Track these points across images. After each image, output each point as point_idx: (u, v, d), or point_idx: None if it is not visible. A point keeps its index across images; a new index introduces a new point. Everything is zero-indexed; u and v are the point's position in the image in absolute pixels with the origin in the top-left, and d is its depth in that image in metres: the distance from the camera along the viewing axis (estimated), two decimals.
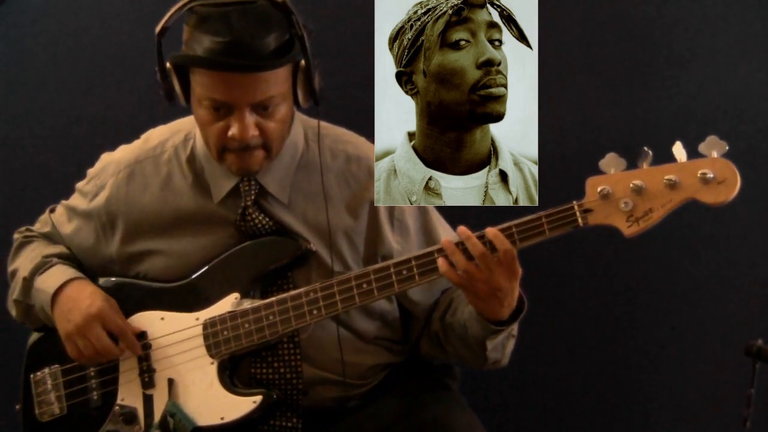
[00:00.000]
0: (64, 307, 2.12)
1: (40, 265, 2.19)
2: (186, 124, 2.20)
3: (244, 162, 2.03)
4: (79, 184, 2.27)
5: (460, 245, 1.91)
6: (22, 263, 2.23)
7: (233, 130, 1.98)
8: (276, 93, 1.99)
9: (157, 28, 1.97)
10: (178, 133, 2.20)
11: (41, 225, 2.30)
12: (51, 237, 2.28)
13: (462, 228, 1.91)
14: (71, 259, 2.24)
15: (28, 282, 2.19)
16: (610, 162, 1.86)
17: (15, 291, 2.23)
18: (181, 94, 2.02)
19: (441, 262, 1.92)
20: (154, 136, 2.23)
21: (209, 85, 1.97)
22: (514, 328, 2.05)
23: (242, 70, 1.94)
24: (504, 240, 1.89)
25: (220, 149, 2.03)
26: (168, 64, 1.99)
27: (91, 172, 2.26)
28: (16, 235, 2.31)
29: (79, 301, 2.11)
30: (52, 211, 2.30)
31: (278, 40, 1.96)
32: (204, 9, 1.96)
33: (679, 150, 1.82)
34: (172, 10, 1.97)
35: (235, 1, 1.96)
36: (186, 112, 2.15)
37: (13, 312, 2.26)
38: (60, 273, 2.17)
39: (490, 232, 1.89)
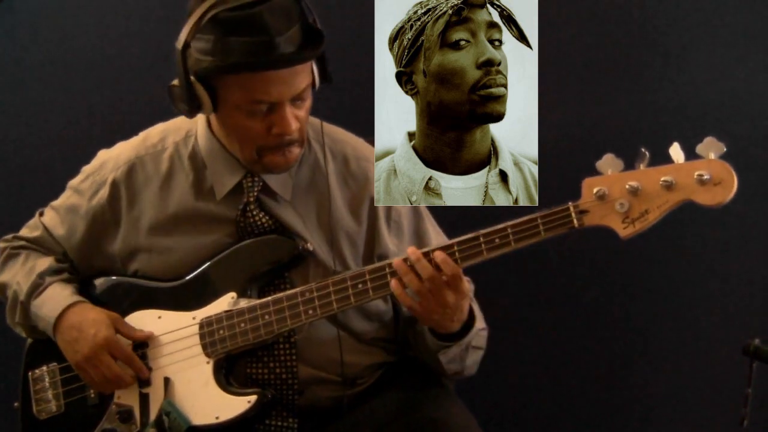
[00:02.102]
0: (69, 337, 2.11)
1: (35, 286, 2.16)
2: (186, 121, 2.19)
3: (287, 158, 2.03)
4: (73, 182, 2.24)
5: (412, 267, 1.92)
6: (13, 279, 2.20)
7: (279, 127, 1.98)
8: (308, 82, 2.00)
9: (179, 44, 1.94)
10: (178, 131, 2.19)
11: (30, 230, 2.27)
12: (42, 242, 2.25)
13: (412, 249, 1.94)
14: (62, 270, 2.21)
15: (25, 306, 2.18)
16: (607, 163, 1.85)
17: (16, 314, 2.21)
18: (210, 104, 1.98)
19: (394, 284, 1.94)
20: (154, 133, 2.22)
21: (252, 87, 1.95)
22: (476, 340, 2.07)
23: (291, 63, 1.94)
24: (451, 264, 1.91)
25: (260, 151, 2.02)
26: (192, 78, 1.95)
27: (86, 169, 2.24)
28: (1, 245, 2.27)
29: (84, 329, 2.09)
30: (42, 214, 2.27)
31: (303, 29, 1.97)
32: (230, 14, 1.92)
33: (676, 151, 1.82)
34: (193, 19, 1.92)
35: (256, 0, 1.94)
36: None
37: (19, 331, 2.24)
38: (56, 297, 2.14)
39: (438, 255, 1.92)
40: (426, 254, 1.93)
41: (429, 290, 1.92)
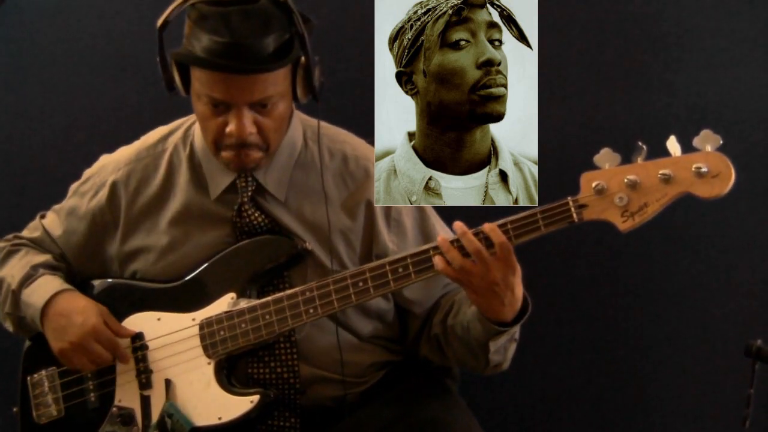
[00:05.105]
0: (56, 324, 2.12)
1: (27, 276, 2.18)
2: (185, 121, 2.21)
3: (241, 159, 2.03)
4: (75, 185, 2.26)
5: (455, 242, 1.91)
6: (9, 272, 2.22)
7: (231, 127, 1.99)
8: (274, 92, 1.99)
9: (159, 22, 1.98)
10: (178, 130, 2.21)
11: (30, 231, 2.29)
12: (40, 242, 2.26)
13: (458, 223, 1.91)
14: (58, 267, 2.22)
15: (16, 295, 2.18)
16: (605, 157, 1.86)
17: (6, 304, 2.22)
18: (182, 87, 2.03)
19: (437, 260, 1.92)
20: (154, 135, 2.23)
21: (208, 83, 1.98)
22: (516, 331, 2.05)
23: (241, 72, 1.95)
24: (500, 234, 1.89)
25: (217, 145, 2.04)
26: (167, 56, 2.01)
27: (88, 172, 2.26)
28: (2, 244, 2.29)
29: (72, 317, 2.10)
30: (43, 217, 2.29)
31: (278, 40, 1.96)
32: (205, 7, 1.96)
33: (673, 144, 1.82)
34: (174, 4, 1.98)
35: (234, 0, 1.96)
36: (186, 110, 2.15)
37: (7, 325, 2.25)
38: (46, 285, 2.16)
39: (487, 226, 1.90)
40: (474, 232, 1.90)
41: (473, 266, 1.89)
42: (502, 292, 1.92)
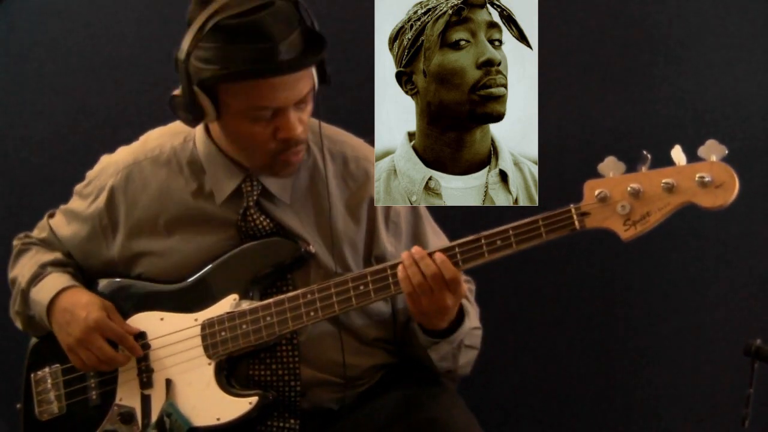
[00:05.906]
0: (62, 320, 2.12)
1: (36, 275, 2.19)
2: (184, 126, 2.20)
3: (292, 161, 2.04)
4: (78, 187, 2.27)
5: (416, 263, 1.93)
6: (20, 272, 2.24)
7: (285, 132, 1.99)
8: (311, 86, 2.00)
9: (182, 54, 1.94)
10: (176, 136, 2.19)
11: (39, 231, 2.30)
12: (48, 242, 2.28)
13: (416, 248, 1.94)
14: (67, 264, 2.24)
15: (26, 293, 2.20)
16: (609, 165, 1.85)
17: (16, 302, 2.24)
18: (214, 113, 1.99)
19: (399, 269, 1.94)
20: (153, 138, 2.22)
21: (257, 94, 1.95)
22: (469, 338, 2.07)
23: (295, 69, 1.94)
24: (450, 267, 1.92)
25: (271, 154, 2.02)
26: (195, 87, 1.95)
27: (90, 174, 2.26)
28: (15, 242, 2.31)
29: (76, 312, 2.11)
30: (51, 216, 2.30)
31: (305, 34, 1.97)
32: (232, 21, 1.92)
33: (677, 153, 1.81)
34: (195, 27, 1.92)
35: (257, 6, 1.93)
36: None
37: (17, 323, 2.26)
38: (52, 283, 2.17)
39: (439, 257, 1.92)
40: (430, 254, 1.94)
41: (429, 288, 1.93)
42: (446, 313, 1.97)
